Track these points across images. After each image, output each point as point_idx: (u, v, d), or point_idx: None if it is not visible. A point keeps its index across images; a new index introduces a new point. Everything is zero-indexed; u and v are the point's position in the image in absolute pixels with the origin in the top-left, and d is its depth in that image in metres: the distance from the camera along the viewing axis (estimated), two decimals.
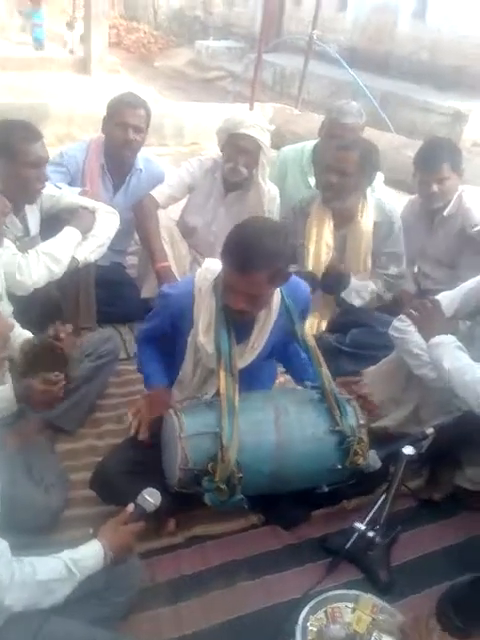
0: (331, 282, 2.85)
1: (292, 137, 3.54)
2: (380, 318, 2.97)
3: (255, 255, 1.73)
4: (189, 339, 2.02)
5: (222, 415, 1.81)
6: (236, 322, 1.93)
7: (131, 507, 1.57)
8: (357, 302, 2.92)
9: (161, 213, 3.00)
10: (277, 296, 1.98)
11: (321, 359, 2.01)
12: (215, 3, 12.86)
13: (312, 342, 2.03)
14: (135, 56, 11.88)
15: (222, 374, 1.87)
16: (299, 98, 6.73)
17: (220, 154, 3.02)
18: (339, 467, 1.89)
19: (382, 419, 2.40)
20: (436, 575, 1.91)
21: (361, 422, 1.95)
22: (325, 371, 1.99)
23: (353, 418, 1.94)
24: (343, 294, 2.90)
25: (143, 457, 1.96)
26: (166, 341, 2.15)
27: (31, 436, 2.18)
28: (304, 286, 2.11)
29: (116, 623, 1.57)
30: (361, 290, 2.92)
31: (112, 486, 1.92)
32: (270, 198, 3.06)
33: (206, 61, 11.09)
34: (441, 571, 1.92)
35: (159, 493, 1.59)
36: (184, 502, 1.90)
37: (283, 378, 2.51)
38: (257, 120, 2.90)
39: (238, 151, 2.86)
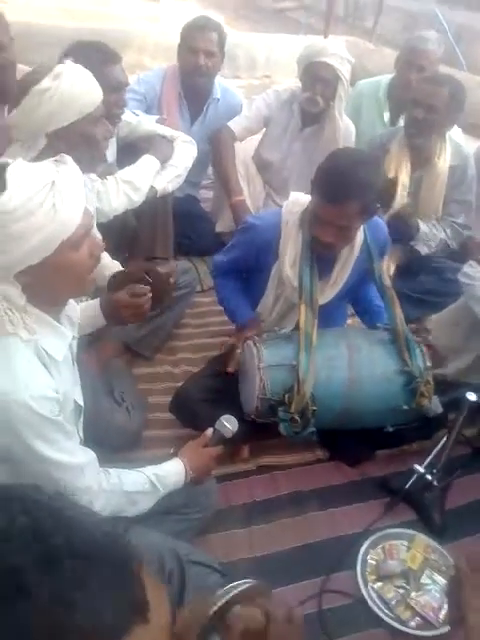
0: (398, 229, 2.70)
1: (365, 74, 3.30)
2: (448, 265, 2.85)
3: (350, 184, 1.65)
4: (273, 272, 1.95)
5: (300, 349, 1.79)
6: (320, 257, 1.86)
7: (210, 431, 1.56)
8: (424, 250, 2.78)
9: (238, 146, 2.86)
10: (360, 233, 1.89)
11: (396, 300, 1.94)
12: None
13: (388, 282, 1.96)
14: None
15: (303, 308, 1.83)
16: (374, 31, 6.25)
17: (298, 86, 2.84)
18: (405, 407, 1.86)
19: (443, 367, 2.32)
20: None
21: (428, 365, 1.90)
22: (399, 312, 1.94)
23: (421, 360, 1.89)
24: (411, 242, 2.76)
25: (222, 385, 1.96)
26: (244, 274, 2.10)
27: (110, 358, 2.19)
28: (383, 225, 2.02)
29: (193, 539, 1.60)
30: (430, 239, 2.77)
31: (192, 411, 1.93)
32: (347, 134, 2.88)
33: None
34: None
35: (236, 420, 1.58)
36: (258, 431, 1.90)
37: (352, 320, 2.44)
38: (338, 50, 2.69)
39: (316, 80, 2.67)
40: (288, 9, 8.89)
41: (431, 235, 2.76)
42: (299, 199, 1.92)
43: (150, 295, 1.67)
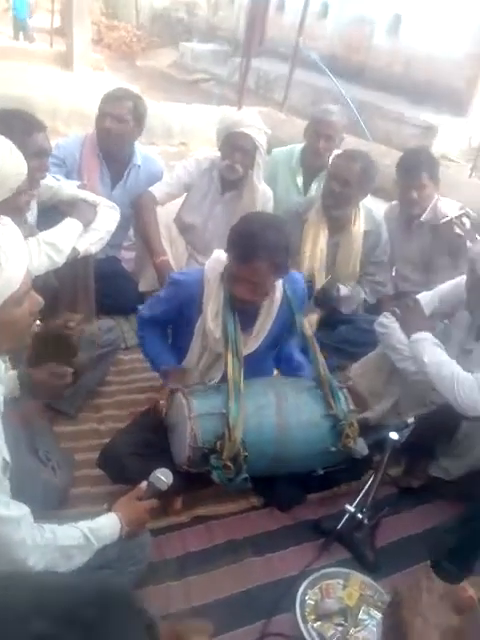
0: (324, 301, 2.98)
1: (277, 142, 3.65)
2: (364, 317, 3.12)
3: (258, 246, 1.85)
4: (197, 325, 2.10)
5: (229, 397, 1.92)
6: (241, 311, 2.04)
7: (144, 485, 1.62)
8: (345, 310, 3.07)
9: (160, 210, 3.06)
10: (279, 288, 2.09)
11: (317, 348, 2.14)
12: (199, 6, 12.89)
13: (309, 332, 2.17)
14: (116, 55, 11.81)
15: (229, 358, 1.98)
16: (284, 103, 6.83)
17: (216, 154, 3.10)
18: (333, 449, 2.02)
19: (364, 411, 2.51)
20: (415, 556, 2.03)
21: (351, 408, 2.10)
22: (321, 359, 2.13)
23: (345, 404, 2.08)
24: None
25: (151, 438, 2.04)
26: (168, 327, 2.25)
27: (33, 417, 2.21)
28: (300, 278, 2.24)
29: None
30: (350, 301, 3.06)
31: (121, 465, 1.98)
32: (264, 199, 3.15)
33: (190, 63, 11.14)
34: (420, 553, 2.04)
35: (171, 473, 1.66)
36: (191, 482, 1.98)
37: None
38: (255, 121, 2.98)
39: (235, 149, 2.93)
40: (201, 81, 9.52)
41: (351, 297, 3.05)
42: (220, 257, 2.10)
43: (70, 374, 1.75)
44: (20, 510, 1.31)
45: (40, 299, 1.36)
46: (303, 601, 1.78)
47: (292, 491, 2.14)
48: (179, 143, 6.01)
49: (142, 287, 3.09)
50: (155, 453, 1.97)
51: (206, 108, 6.53)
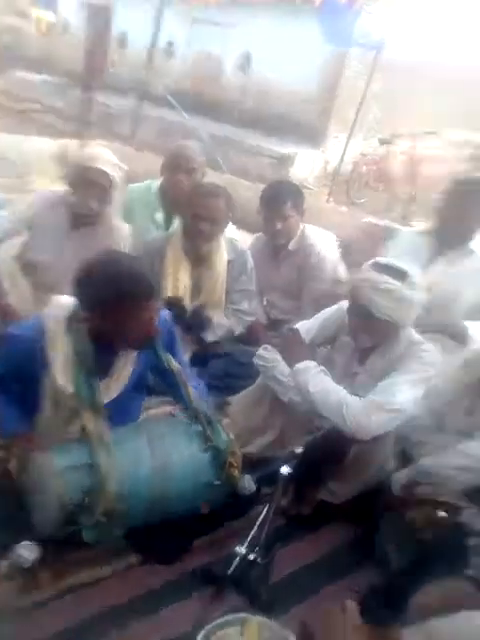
0: (195, 325, 3.04)
1: (132, 177, 3.72)
2: (238, 349, 3.19)
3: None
4: (46, 381, 2.01)
5: (93, 450, 1.86)
6: (100, 354, 1.99)
7: (4, 564, 1.51)
8: (210, 337, 3.12)
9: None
10: None
11: (186, 381, 2.17)
12: (31, 34, 12.88)
13: (177, 366, 2.18)
14: None
15: (86, 415, 1.93)
16: (134, 137, 6.96)
17: (64, 189, 3.07)
18: (217, 482, 2.03)
19: (246, 446, 2.54)
20: (312, 585, 2.09)
21: (231, 437, 2.13)
22: (191, 391, 2.16)
23: (223, 433, 2.11)
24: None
25: (3, 507, 1.91)
26: (14, 385, 2.13)
27: None
28: (166, 315, 2.25)
29: None
30: (216, 328, 3.13)
31: None
32: (122, 236, 3.14)
33: (20, 92, 11.01)
34: (315, 581, 2.11)
35: (34, 545, 1.56)
36: (56, 548, 1.87)
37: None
38: (109, 156, 3.01)
39: (89, 185, 2.91)
40: (31, 111, 9.43)
41: (217, 325, 3.13)
42: (60, 302, 2.06)
43: None
44: None
45: None
46: None
47: (174, 540, 2.10)
48: (16, 176, 5.90)
49: None
50: (11, 523, 1.85)
51: (44, 141, 6.52)
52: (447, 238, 3.00)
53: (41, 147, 6.22)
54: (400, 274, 2.24)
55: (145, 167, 5.35)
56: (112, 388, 2.07)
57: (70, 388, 1.96)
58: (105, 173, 2.91)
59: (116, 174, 2.97)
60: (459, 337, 2.85)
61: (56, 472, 1.81)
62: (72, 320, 1.98)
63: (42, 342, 1.97)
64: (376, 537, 2.21)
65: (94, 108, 6.94)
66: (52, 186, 3.29)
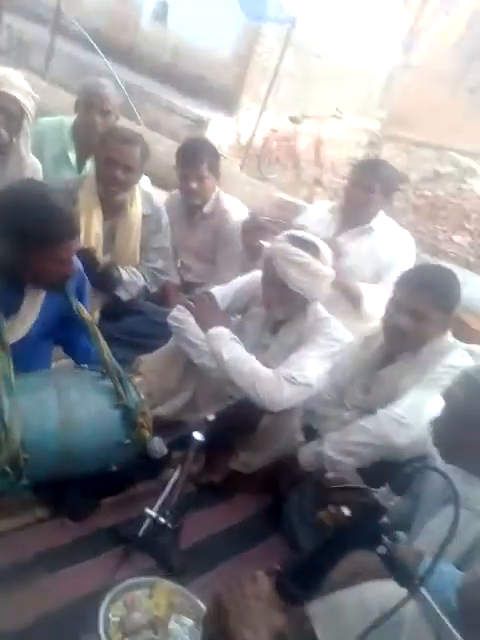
0: (104, 281, 2.85)
1: (43, 112, 3.45)
2: (151, 307, 3.10)
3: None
4: None
5: None
6: (6, 294, 1.87)
7: None
8: (125, 296, 2.98)
9: None
10: None
11: (99, 334, 2.04)
12: None
13: (89, 318, 2.06)
14: None
15: None
16: (47, 71, 6.49)
17: None
18: (127, 442, 1.95)
19: (157, 408, 2.49)
20: (222, 554, 2.09)
21: (142, 397, 2.05)
22: (104, 345, 2.04)
23: (134, 393, 2.02)
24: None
25: None
26: None
27: None
28: (77, 264, 2.11)
29: None
30: (130, 286, 2.98)
31: None
32: (34, 170, 2.91)
33: None
34: (225, 550, 2.11)
35: None
36: None
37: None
38: (22, 83, 2.74)
39: None
40: None
41: (131, 282, 2.98)
42: None
43: None
44: None
45: None
46: (107, 619, 1.67)
47: (84, 497, 2.01)
48: None
49: None
50: None
51: None
52: (350, 216, 3.13)
53: None
54: (313, 248, 2.26)
55: (57, 104, 5.02)
56: (17, 328, 1.94)
57: None
58: (16, 99, 2.66)
59: (28, 102, 2.72)
60: (355, 301, 2.95)
61: None
62: None
63: None
64: (283, 508, 2.25)
65: (2, 32, 6.32)
66: None
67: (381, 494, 1.90)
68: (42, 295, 1.97)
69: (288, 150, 9.07)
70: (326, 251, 2.30)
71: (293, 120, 9.01)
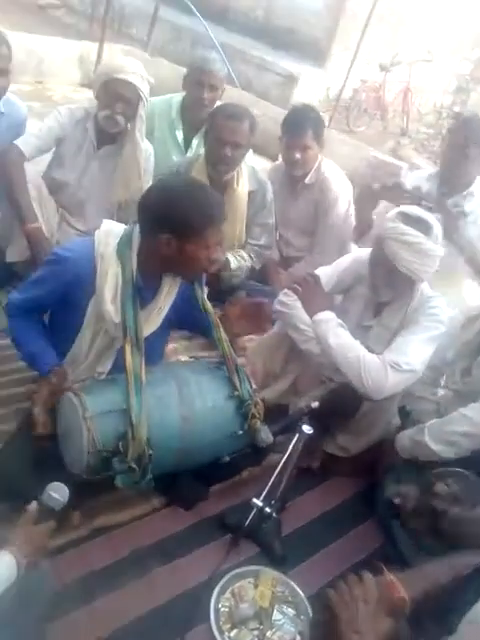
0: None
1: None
2: (256, 288, 2.98)
3: None
4: (90, 308, 1.80)
5: (129, 391, 1.67)
6: (143, 287, 1.79)
7: (34, 506, 1.37)
8: (235, 281, 2.88)
9: (28, 166, 2.60)
10: None
11: (219, 324, 1.94)
12: None
13: (210, 307, 1.95)
14: None
15: (128, 348, 1.72)
16: (148, 42, 6.27)
17: (91, 104, 2.71)
18: (240, 432, 1.87)
19: (261, 392, 2.39)
20: (321, 539, 2.00)
21: (254, 386, 1.96)
22: (223, 335, 1.93)
23: (247, 382, 1.93)
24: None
25: (39, 448, 1.75)
26: (45, 312, 1.93)
27: None
28: None
29: None
30: (238, 272, 2.86)
31: (5, 483, 1.69)
32: (146, 155, 2.80)
33: None
34: (325, 535, 2.02)
35: (65, 487, 1.42)
36: (87, 491, 1.74)
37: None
38: (138, 68, 2.61)
39: (116, 98, 2.55)
40: (50, 7, 8.45)
41: (239, 268, 2.86)
42: (113, 229, 1.82)
43: None
44: None
45: None
46: (217, 610, 1.67)
47: (195, 486, 1.98)
48: (35, 81, 5.22)
49: (11, 257, 2.61)
50: (46, 462, 1.70)
51: (65, 42, 5.72)
52: (450, 182, 2.81)
53: (61, 49, 5.49)
54: (426, 226, 2.03)
55: (161, 74, 4.84)
56: (153, 320, 1.85)
57: (116, 317, 1.75)
58: (133, 85, 2.55)
59: (144, 88, 2.60)
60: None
61: (90, 417, 1.64)
62: (123, 246, 1.76)
63: (91, 268, 1.75)
64: (377, 494, 2.14)
65: (110, 7, 6.11)
66: (71, 93, 2.86)
67: None
68: (176, 287, 1.88)
69: (376, 100, 8.42)
70: (438, 228, 2.07)
71: (383, 68, 8.31)
